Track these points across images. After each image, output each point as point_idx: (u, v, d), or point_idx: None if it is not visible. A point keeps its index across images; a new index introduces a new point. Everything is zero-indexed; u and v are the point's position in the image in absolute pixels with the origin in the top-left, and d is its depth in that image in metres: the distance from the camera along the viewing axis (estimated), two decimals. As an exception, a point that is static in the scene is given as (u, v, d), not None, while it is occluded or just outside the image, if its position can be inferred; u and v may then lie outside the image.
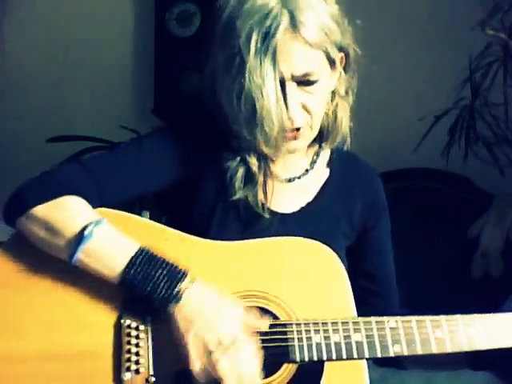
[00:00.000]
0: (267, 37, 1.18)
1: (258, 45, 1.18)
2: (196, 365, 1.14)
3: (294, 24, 1.19)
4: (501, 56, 2.41)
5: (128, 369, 1.18)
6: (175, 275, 1.17)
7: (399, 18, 2.89)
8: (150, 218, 1.73)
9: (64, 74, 3.24)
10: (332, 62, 1.28)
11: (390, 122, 2.85)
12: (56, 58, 3.23)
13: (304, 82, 1.23)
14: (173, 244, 1.26)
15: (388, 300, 1.46)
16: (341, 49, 1.28)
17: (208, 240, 1.29)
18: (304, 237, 1.31)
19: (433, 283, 2.47)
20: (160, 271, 1.17)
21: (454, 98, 2.49)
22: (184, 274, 1.18)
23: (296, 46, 1.20)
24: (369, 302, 1.43)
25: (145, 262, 1.17)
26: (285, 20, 1.19)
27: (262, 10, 1.19)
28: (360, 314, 1.27)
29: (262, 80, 1.18)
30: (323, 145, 1.41)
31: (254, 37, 1.18)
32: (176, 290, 1.16)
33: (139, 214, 2.19)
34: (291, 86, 1.23)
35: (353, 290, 1.29)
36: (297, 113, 1.24)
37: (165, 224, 1.37)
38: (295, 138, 1.28)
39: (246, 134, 1.25)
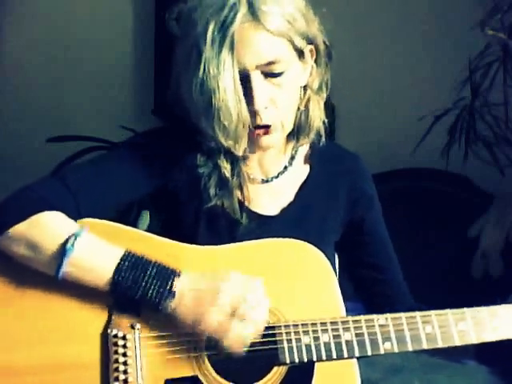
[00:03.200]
0: (223, 26, 1.16)
1: (215, 34, 1.16)
2: (229, 334, 1.14)
3: (252, 12, 1.17)
4: (501, 56, 2.41)
5: (116, 379, 1.17)
6: (165, 272, 1.16)
7: (399, 18, 2.88)
8: (150, 218, 1.73)
9: (64, 73, 3.23)
10: (300, 54, 1.25)
11: (390, 122, 2.85)
12: (56, 58, 3.22)
13: (270, 73, 1.21)
14: (159, 250, 1.24)
15: (397, 287, 1.44)
16: (308, 40, 1.25)
17: (193, 245, 1.27)
18: (289, 237, 1.29)
19: (433, 283, 2.47)
20: (149, 272, 1.16)
21: (454, 98, 2.49)
22: (173, 271, 1.17)
23: (257, 34, 1.18)
24: (378, 292, 1.42)
25: (132, 266, 1.16)
26: (243, 9, 1.17)
27: (219, 0, 1.18)
28: (374, 307, 1.27)
29: (218, 70, 1.16)
30: (298, 141, 1.37)
31: (211, 27, 1.16)
32: (168, 286, 1.15)
33: (138, 214, 2.19)
34: (257, 78, 1.20)
35: (358, 283, 1.28)
36: (264, 105, 1.21)
37: (161, 227, 1.37)
38: (267, 134, 1.26)
39: (206, 128, 1.23)
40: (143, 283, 1.15)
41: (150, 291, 1.15)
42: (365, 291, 1.39)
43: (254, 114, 1.22)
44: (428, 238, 2.56)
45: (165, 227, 1.39)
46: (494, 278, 2.38)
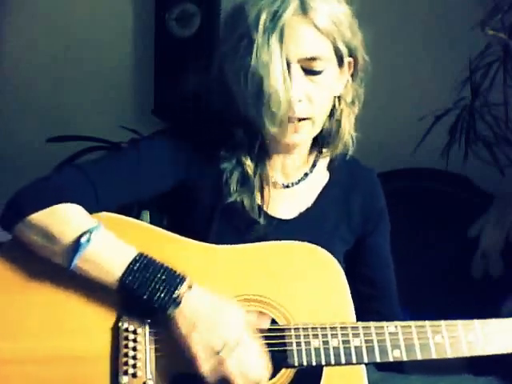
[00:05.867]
0: (275, 16, 1.19)
1: (267, 24, 1.19)
2: (205, 366, 1.14)
3: (303, 7, 1.21)
4: (501, 56, 2.40)
5: (125, 372, 1.18)
6: (174, 280, 1.17)
7: (399, 18, 2.88)
8: (150, 218, 1.73)
9: (64, 73, 3.23)
10: (340, 60, 1.28)
11: (390, 122, 2.84)
12: (56, 58, 3.22)
13: (310, 70, 1.24)
14: (172, 248, 1.26)
15: (387, 305, 1.45)
16: (350, 51, 1.29)
17: (207, 244, 1.28)
18: (303, 241, 1.30)
19: (433, 283, 2.47)
20: (158, 276, 1.16)
21: (454, 98, 2.49)
22: (182, 278, 1.17)
23: (304, 27, 1.22)
24: (369, 306, 1.42)
25: (142, 268, 1.17)
26: (295, 2, 1.21)
27: None
28: (360, 320, 1.26)
29: (269, 58, 1.19)
30: (324, 151, 1.40)
31: (263, 16, 1.19)
32: (175, 294, 1.16)
33: (138, 213, 2.19)
34: (297, 71, 1.23)
35: (352, 296, 1.29)
36: (299, 98, 1.24)
37: (166, 225, 1.37)
38: (295, 131, 1.28)
39: (254, 115, 1.24)
40: (151, 286, 1.16)
41: (157, 295, 1.16)
42: (358, 305, 1.40)
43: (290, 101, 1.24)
44: (428, 238, 2.56)
45: (169, 227, 1.39)
46: (494, 278, 2.38)
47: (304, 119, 1.27)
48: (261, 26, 1.19)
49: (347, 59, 1.30)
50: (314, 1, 1.22)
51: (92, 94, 3.23)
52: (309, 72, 1.24)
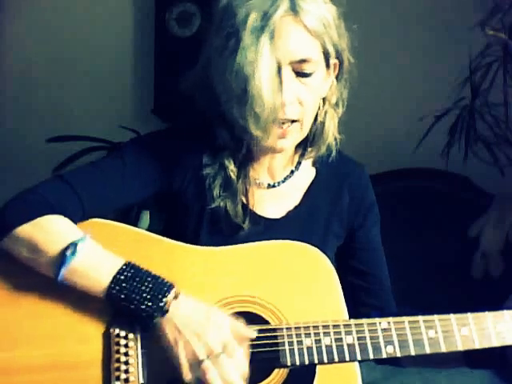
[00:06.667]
0: (265, 16, 1.17)
1: (256, 23, 1.17)
2: (188, 375, 1.15)
3: (294, 8, 1.20)
4: (501, 56, 2.40)
5: (118, 378, 1.17)
6: (161, 288, 1.16)
7: (399, 18, 2.88)
8: (150, 218, 1.73)
9: (64, 74, 3.23)
10: (327, 62, 1.27)
11: (390, 122, 2.84)
12: (56, 58, 3.22)
13: (301, 72, 1.23)
14: (161, 252, 1.25)
15: (381, 298, 1.45)
16: (337, 52, 1.28)
17: (196, 246, 1.28)
18: (293, 239, 1.30)
19: (433, 283, 2.47)
20: (146, 285, 1.16)
21: (454, 98, 2.49)
22: (170, 286, 1.17)
23: (295, 29, 1.20)
24: (362, 300, 1.42)
25: (129, 278, 1.17)
26: (285, 3, 1.19)
27: None
28: (355, 316, 1.26)
29: (256, 57, 1.17)
30: (307, 152, 1.39)
31: (253, 15, 1.18)
32: (162, 302, 1.15)
33: (138, 213, 2.19)
34: (288, 73, 1.22)
35: (345, 290, 1.28)
36: (290, 101, 1.23)
37: (165, 226, 1.37)
38: (283, 136, 1.27)
39: (238, 116, 1.22)
40: (138, 295, 1.16)
41: (144, 304, 1.15)
42: (351, 298, 1.40)
43: (279, 104, 1.23)
44: (428, 238, 2.56)
45: (167, 227, 1.39)
46: (494, 278, 2.38)
47: (294, 121, 1.27)
48: (248, 26, 1.17)
49: (333, 60, 1.29)
50: (303, 1, 1.20)
51: (92, 93, 3.23)
52: (299, 74, 1.23)
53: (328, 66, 1.28)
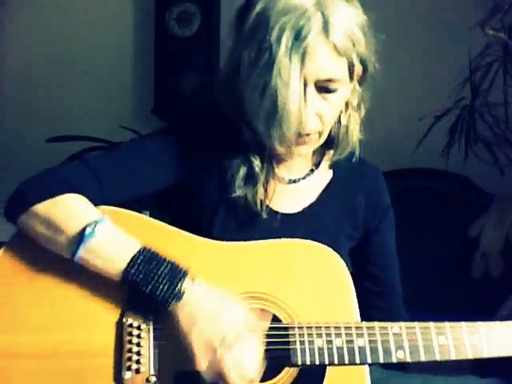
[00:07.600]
0: (299, 37, 1.17)
1: (290, 43, 1.17)
2: (202, 363, 1.15)
3: (325, 28, 1.19)
4: (501, 56, 2.40)
5: (129, 368, 1.18)
6: (176, 274, 1.17)
7: (399, 18, 2.88)
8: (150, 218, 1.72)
9: (64, 74, 3.23)
10: (352, 74, 1.27)
11: (390, 122, 2.84)
12: (56, 58, 3.22)
13: (325, 88, 1.23)
14: (175, 242, 1.26)
15: (392, 303, 1.45)
16: (361, 61, 1.28)
17: (210, 240, 1.28)
18: (306, 238, 1.30)
19: (433, 283, 2.47)
20: (161, 270, 1.17)
21: (454, 98, 2.49)
22: (185, 273, 1.18)
23: (324, 49, 1.19)
24: (372, 304, 1.43)
25: (146, 261, 1.17)
26: (318, 23, 1.18)
27: (296, 9, 1.18)
28: (364, 318, 1.26)
29: (289, 79, 1.17)
30: (330, 152, 1.40)
31: (286, 35, 1.17)
32: (177, 288, 1.16)
33: (138, 213, 2.19)
34: (311, 91, 1.22)
35: (358, 293, 1.28)
36: (311, 118, 1.23)
37: (168, 223, 1.37)
38: (304, 143, 1.28)
39: (263, 130, 1.23)
40: (154, 280, 1.16)
41: (159, 289, 1.16)
42: (363, 301, 1.40)
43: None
44: (428, 238, 2.56)
45: (175, 219, 1.39)
46: (494, 278, 2.38)
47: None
48: (283, 45, 1.16)
49: (357, 69, 1.29)
50: (335, 20, 1.19)
51: (92, 93, 3.23)
52: (323, 89, 1.23)
53: (352, 77, 1.28)
